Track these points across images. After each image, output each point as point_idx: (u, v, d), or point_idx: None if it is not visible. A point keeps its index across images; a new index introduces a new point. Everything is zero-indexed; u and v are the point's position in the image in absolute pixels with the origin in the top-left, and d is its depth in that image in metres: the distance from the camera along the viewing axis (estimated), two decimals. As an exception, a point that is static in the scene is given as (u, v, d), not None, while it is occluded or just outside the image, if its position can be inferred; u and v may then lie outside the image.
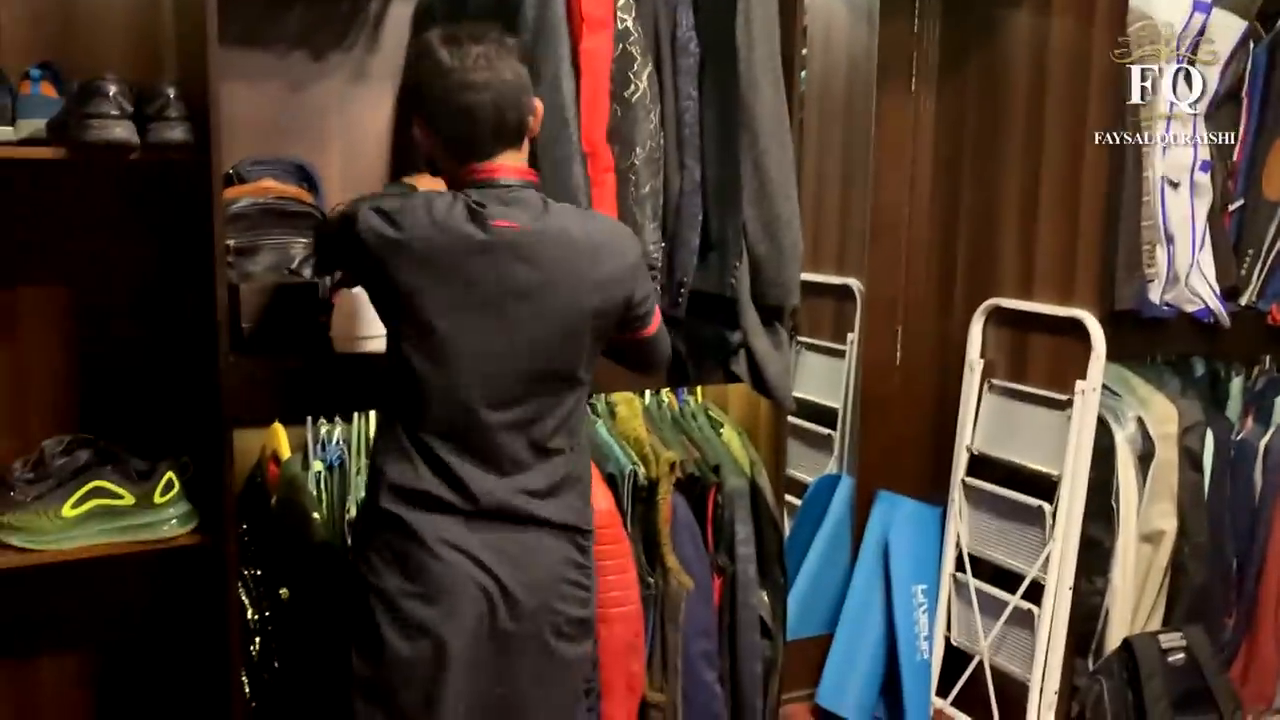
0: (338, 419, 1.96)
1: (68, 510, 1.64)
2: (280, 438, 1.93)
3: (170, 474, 1.71)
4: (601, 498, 1.89)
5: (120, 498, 1.66)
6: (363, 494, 1.84)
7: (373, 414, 1.99)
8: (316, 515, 1.83)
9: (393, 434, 1.52)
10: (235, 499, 1.75)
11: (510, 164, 1.50)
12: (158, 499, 1.68)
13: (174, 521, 1.69)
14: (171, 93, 1.59)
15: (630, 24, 1.78)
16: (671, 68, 1.85)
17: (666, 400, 2.27)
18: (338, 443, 1.95)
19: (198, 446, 1.81)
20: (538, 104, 1.54)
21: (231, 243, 1.73)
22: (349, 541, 1.83)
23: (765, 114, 1.90)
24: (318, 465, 1.90)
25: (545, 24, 1.72)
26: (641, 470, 2.03)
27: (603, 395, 2.17)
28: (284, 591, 1.84)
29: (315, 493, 1.88)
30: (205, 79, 1.58)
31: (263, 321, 1.73)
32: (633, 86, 1.78)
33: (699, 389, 2.32)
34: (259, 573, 1.88)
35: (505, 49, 1.49)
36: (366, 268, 1.50)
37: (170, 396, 1.93)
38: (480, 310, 1.47)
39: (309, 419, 1.93)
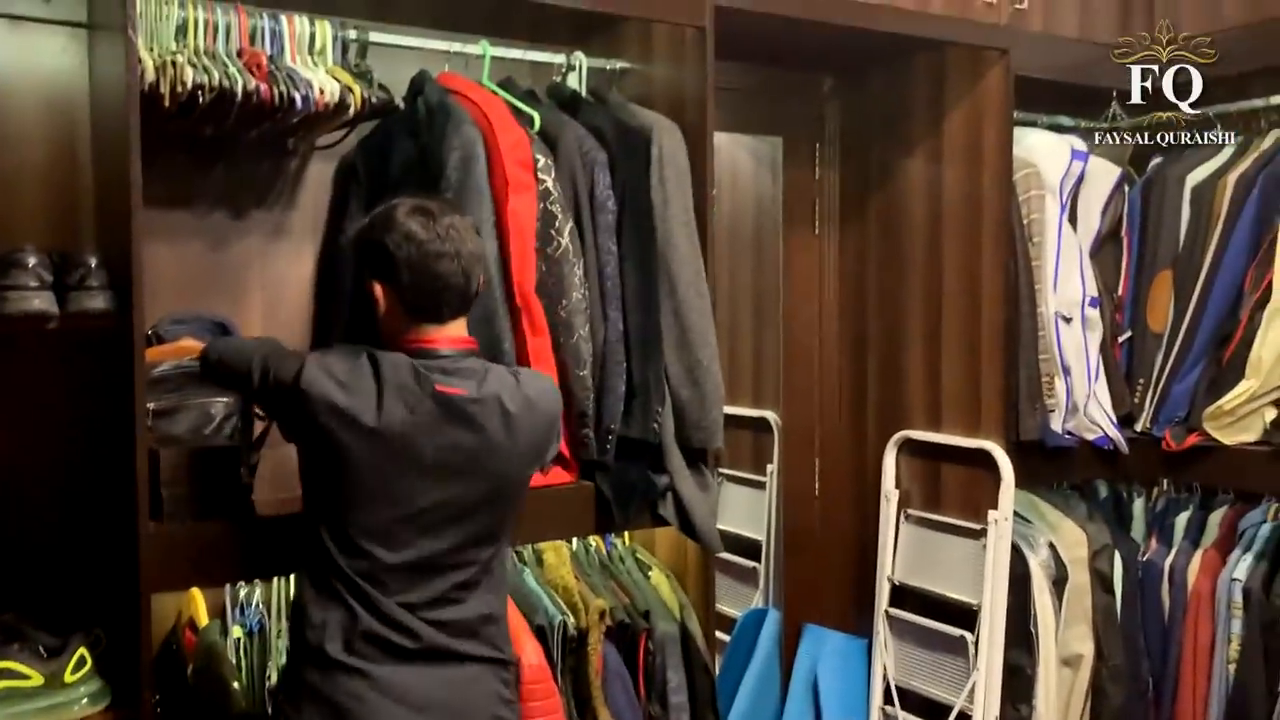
0: (257, 581, 1.91)
1: (-31, 695, 1.55)
2: (197, 602, 1.87)
3: (82, 649, 1.63)
4: (532, 652, 1.86)
5: (28, 678, 1.58)
6: (284, 659, 1.81)
7: (293, 576, 1.94)
8: (236, 685, 1.77)
9: (323, 580, 1.53)
10: (150, 670, 1.68)
11: (454, 333, 1.58)
12: (68, 678, 1.60)
13: (85, 701, 1.61)
14: (93, 262, 1.58)
15: (550, 184, 1.85)
16: (591, 224, 1.91)
17: (594, 545, 2.27)
18: (257, 605, 1.90)
19: (112, 615, 1.73)
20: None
21: (151, 406, 1.70)
22: (269, 710, 1.76)
23: (682, 265, 1.98)
24: (237, 631, 1.84)
25: (467, 187, 1.78)
26: (571, 620, 2.01)
27: (529, 544, 2.15)
28: (200, 768, 1.76)
29: (234, 660, 1.81)
30: (129, 245, 1.57)
31: (183, 486, 1.69)
32: (555, 243, 1.84)
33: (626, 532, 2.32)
34: (173, 748, 1.80)
35: (466, 222, 1.59)
36: (305, 426, 1.52)
37: (85, 563, 1.86)
38: (418, 469, 1.51)
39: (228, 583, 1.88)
